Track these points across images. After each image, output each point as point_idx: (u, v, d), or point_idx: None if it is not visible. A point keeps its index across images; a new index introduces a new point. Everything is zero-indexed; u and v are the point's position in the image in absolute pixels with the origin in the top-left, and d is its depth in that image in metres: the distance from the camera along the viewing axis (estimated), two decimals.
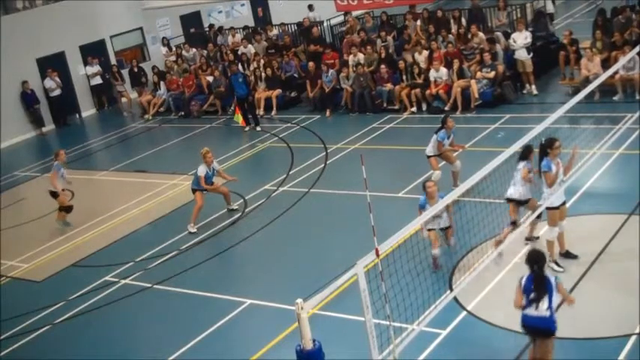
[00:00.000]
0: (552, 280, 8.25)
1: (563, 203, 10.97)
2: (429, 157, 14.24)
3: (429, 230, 11.50)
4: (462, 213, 11.76)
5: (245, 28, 27.64)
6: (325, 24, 26.13)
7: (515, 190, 11.26)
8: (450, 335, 9.77)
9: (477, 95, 19.11)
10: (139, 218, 16.06)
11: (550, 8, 24.42)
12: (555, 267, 10.84)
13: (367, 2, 24.88)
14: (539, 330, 8.40)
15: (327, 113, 21.31)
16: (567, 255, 11.13)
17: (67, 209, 16.22)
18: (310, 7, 27.74)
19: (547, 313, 8.23)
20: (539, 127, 10.41)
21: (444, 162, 14.33)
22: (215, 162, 15.18)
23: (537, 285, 8.23)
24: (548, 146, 10.64)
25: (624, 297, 9.90)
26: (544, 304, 8.22)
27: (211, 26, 28.44)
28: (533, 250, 8.63)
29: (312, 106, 21.94)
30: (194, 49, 26.50)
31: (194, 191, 14.97)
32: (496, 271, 10.90)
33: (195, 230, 14.67)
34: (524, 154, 11.17)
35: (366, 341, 7.24)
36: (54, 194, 16.16)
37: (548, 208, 10.67)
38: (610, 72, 14.50)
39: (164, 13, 29.06)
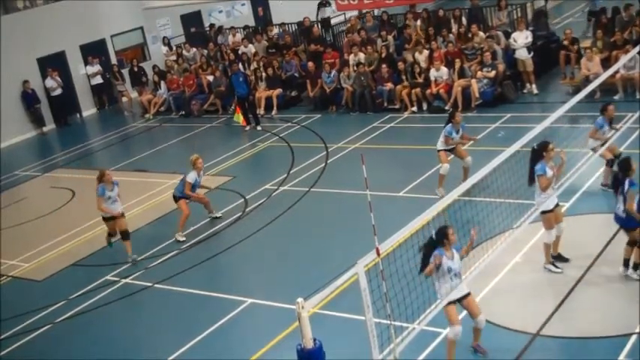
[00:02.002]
0: (626, 186, 9.75)
1: (557, 205, 10.87)
2: (438, 150, 14.21)
3: (449, 304, 8.92)
4: (462, 212, 11.74)
5: (245, 27, 27.62)
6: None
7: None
8: None
9: (477, 95, 19.11)
10: (139, 218, 16.05)
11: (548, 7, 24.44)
12: (553, 268, 10.82)
13: (367, 2, 24.86)
14: (620, 226, 10.26)
15: (333, 109, 21.36)
16: (559, 258, 11.00)
17: (109, 234, 14.35)
18: (326, 3, 27.53)
19: (623, 215, 9.95)
20: (539, 127, 10.39)
21: (452, 156, 14.29)
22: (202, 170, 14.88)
23: (615, 189, 10.08)
24: (542, 149, 10.58)
25: (624, 297, 9.89)
26: (620, 205, 9.94)
27: (212, 26, 28.41)
28: (622, 158, 10.48)
29: (312, 106, 21.95)
30: (194, 49, 26.47)
31: (177, 199, 14.60)
32: None
33: (183, 239, 14.40)
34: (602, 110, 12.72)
35: (367, 340, 7.24)
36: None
37: (541, 212, 10.61)
38: (610, 71, 14.49)
39: (164, 13, 29.05)
